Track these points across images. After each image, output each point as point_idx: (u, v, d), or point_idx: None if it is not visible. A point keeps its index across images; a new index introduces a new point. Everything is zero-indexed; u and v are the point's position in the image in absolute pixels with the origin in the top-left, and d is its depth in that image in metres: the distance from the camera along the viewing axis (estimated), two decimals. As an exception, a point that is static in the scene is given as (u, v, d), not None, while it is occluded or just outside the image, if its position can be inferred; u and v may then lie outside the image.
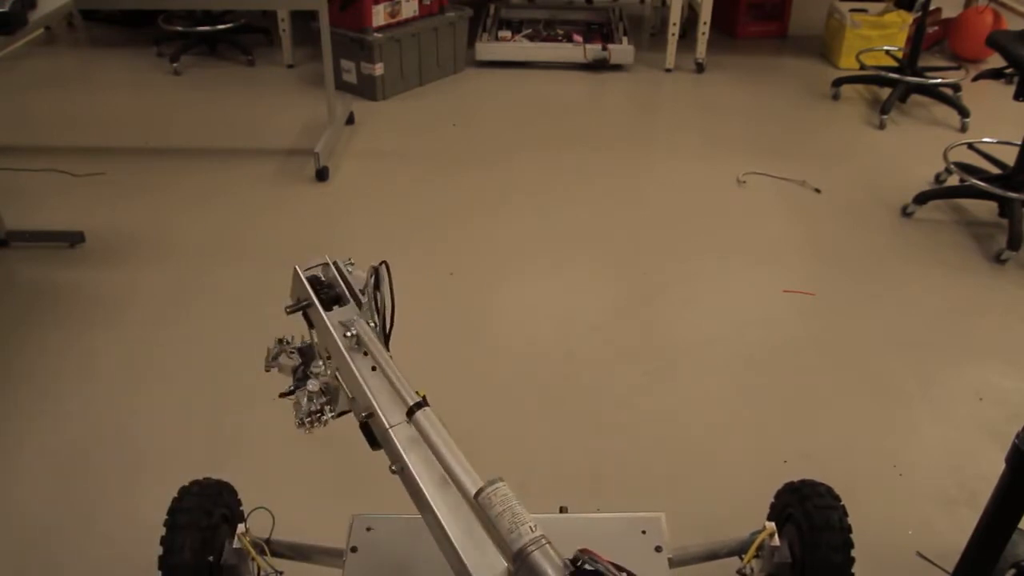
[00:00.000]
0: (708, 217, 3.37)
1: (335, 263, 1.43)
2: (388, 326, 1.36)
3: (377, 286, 1.32)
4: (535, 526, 1.00)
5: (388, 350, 1.30)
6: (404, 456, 1.18)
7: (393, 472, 1.20)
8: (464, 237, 3.19)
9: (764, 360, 2.57)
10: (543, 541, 0.98)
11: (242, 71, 4.78)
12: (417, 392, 1.21)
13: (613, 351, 2.60)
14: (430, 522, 1.15)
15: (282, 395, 1.47)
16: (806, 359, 2.58)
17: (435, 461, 1.14)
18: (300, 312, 1.43)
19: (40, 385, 2.42)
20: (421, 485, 1.14)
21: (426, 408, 1.17)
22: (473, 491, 1.03)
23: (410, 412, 1.17)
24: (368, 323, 1.31)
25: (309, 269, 1.44)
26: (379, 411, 1.21)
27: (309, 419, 1.38)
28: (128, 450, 2.20)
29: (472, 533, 1.11)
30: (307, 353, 1.49)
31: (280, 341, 1.51)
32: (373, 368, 1.25)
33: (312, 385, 1.37)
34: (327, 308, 1.37)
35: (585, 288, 2.91)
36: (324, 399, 1.38)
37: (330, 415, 1.38)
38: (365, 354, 1.28)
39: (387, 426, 1.20)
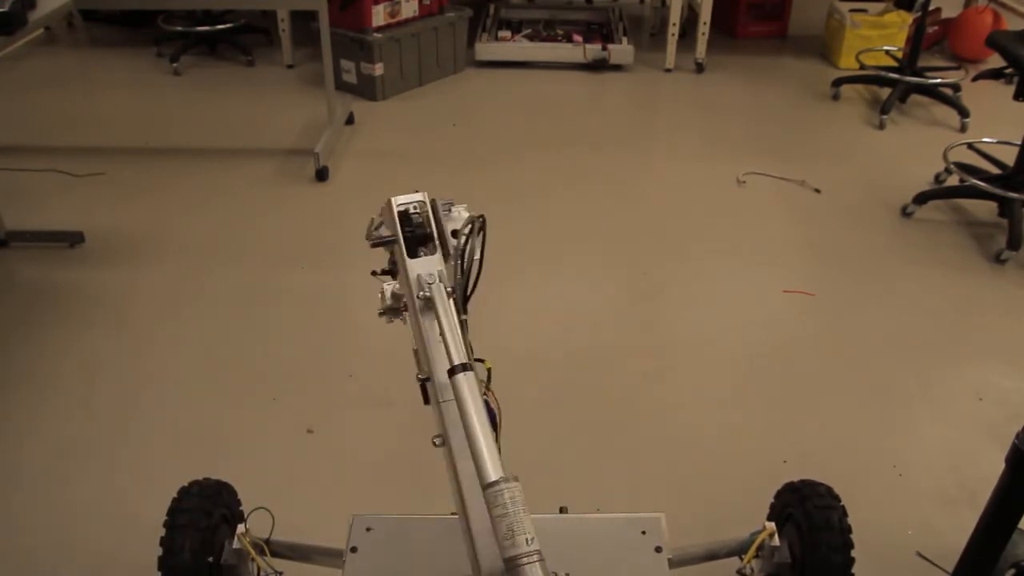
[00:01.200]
0: (708, 217, 3.37)
1: (432, 201, 1.30)
2: (470, 287, 1.27)
3: (469, 240, 1.24)
4: (532, 539, 0.98)
5: (465, 312, 1.24)
6: (448, 432, 1.16)
7: (435, 445, 1.18)
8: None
9: (764, 360, 2.57)
10: (536, 557, 0.97)
11: (242, 71, 4.78)
12: (483, 361, 1.19)
13: (613, 351, 2.60)
14: (456, 503, 1.14)
15: (373, 273, 1.40)
16: (806, 359, 2.58)
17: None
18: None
19: (40, 385, 2.41)
20: (457, 467, 1.13)
21: (469, 373, 1.12)
22: (488, 480, 1.02)
23: (451, 372, 1.12)
24: (446, 284, 1.23)
25: (403, 204, 1.29)
26: (435, 379, 1.18)
27: (388, 313, 1.36)
28: (128, 450, 2.19)
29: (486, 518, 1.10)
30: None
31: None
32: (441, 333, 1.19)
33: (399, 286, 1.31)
34: (412, 252, 1.27)
35: (585, 288, 2.91)
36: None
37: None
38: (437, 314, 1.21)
39: (439, 399, 1.18)
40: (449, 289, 1.21)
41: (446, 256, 1.27)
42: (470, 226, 1.24)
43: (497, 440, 1.23)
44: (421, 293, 1.20)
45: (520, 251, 3.09)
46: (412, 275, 1.23)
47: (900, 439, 2.28)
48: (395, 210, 1.28)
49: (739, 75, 4.83)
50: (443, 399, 1.17)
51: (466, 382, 1.10)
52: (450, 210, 1.31)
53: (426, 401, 1.23)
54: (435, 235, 1.28)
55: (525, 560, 0.97)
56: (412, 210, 1.29)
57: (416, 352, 1.25)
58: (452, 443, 1.14)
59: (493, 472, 1.04)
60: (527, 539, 0.98)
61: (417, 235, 1.28)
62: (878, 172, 3.73)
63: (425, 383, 1.22)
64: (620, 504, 2.03)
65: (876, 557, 1.75)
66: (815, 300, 2.85)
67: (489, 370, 1.26)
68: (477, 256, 1.26)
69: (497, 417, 1.25)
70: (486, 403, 1.20)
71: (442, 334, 1.15)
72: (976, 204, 3.40)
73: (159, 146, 3.89)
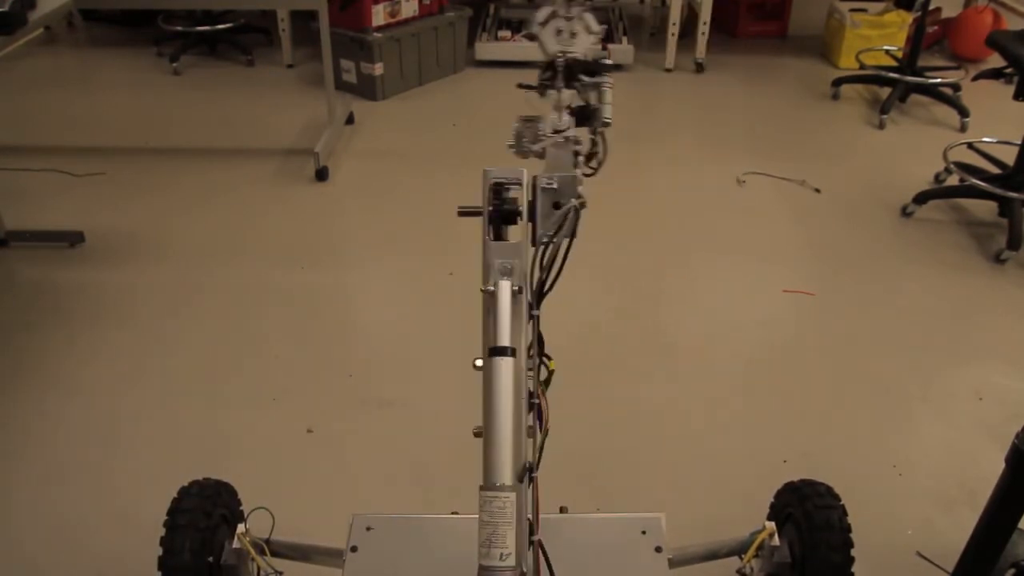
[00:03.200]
0: (708, 217, 3.37)
1: (535, 178, 1.20)
2: (547, 284, 1.19)
3: (557, 231, 1.17)
4: (507, 555, 0.98)
5: (538, 308, 1.16)
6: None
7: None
8: (464, 237, 3.18)
9: (764, 360, 2.57)
10: (511, 572, 0.98)
11: (242, 71, 4.78)
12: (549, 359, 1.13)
13: (612, 350, 2.60)
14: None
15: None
16: (806, 359, 2.58)
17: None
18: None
19: (40, 385, 2.41)
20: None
21: (510, 359, 1.06)
22: (491, 480, 1.02)
23: (492, 352, 1.07)
24: (518, 281, 1.14)
25: (498, 178, 1.18)
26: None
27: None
28: (128, 450, 2.19)
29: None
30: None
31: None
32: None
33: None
34: (498, 229, 1.17)
35: (585, 288, 2.91)
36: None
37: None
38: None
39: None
40: (516, 288, 1.13)
41: (532, 242, 1.17)
42: (562, 219, 1.16)
43: (542, 444, 1.20)
44: (488, 287, 1.12)
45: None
46: (490, 260, 1.15)
47: (900, 439, 2.28)
48: (490, 181, 1.17)
49: (739, 75, 4.83)
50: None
51: (504, 367, 1.06)
52: (547, 186, 1.20)
53: None
54: (525, 214, 1.18)
55: (497, 574, 0.98)
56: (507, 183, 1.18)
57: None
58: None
59: (498, 474, 1.03)
60: (501, 554, 0.98)
61: (508, 211, 1.17)
62: (878, 172, 3.73)
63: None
64: (620, 504, 2.03)
65: (876, 557, 1.75)
66: (815, 300, 2.85)
67: (551, 372, 1.21)
68: (563, 250, 1.18)
69: (544, 420, 1.21)
70: (536, 404, 1.17)
71: (495, 315, 1.10)
72: (976, 204, 3.40)
73: (159, 146, 3.89)
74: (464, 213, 1.21)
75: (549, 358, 1.18)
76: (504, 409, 1.04)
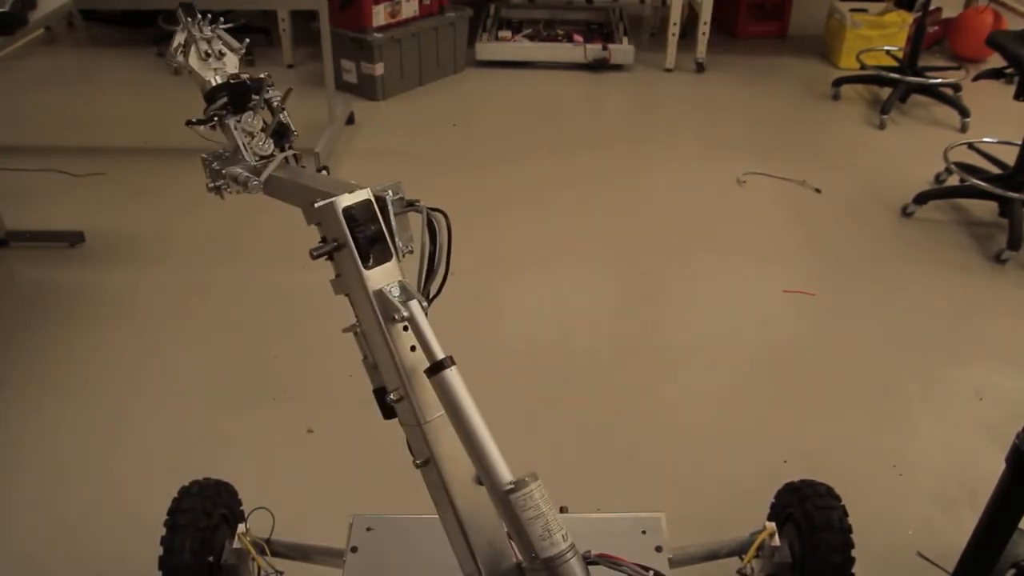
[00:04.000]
0: (708, 217, 3.37)
1: (379, 197, 1.11)
2: (433, 290, 1.14)
3: (432, 240, 1.11)
4: (567, 534, 1.00)
5: (427, 314, 1.10)
6: (432, 450, 1.09)
7: (417, 466, 1.14)
8: (464, 237, 3.15)
9: (764, 360, 2.57)
10: (573, 552, 0.99)
11: (242, 71, 4.77)
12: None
13: (613, 351, 2.60)
14: (446, 518, 1.13)
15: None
16: (806, 359, 2.58)
17: (462, 454, 1.05)
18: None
19: (40, 385, 2.41)
20: (447, 483, 1.09)
21: (454, 368, 1.04)
22: (506, 482, 1.01)
23: (437, 367, 1.03)
24: (411, 295, 1.09)
25: (347, 203, 1.08)
26: (413, 391, 1.09)
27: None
28: (128, 450, 2.19)
29: (485, 528, 1.10)
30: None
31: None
32: (406, 328, 1.08)
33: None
34: (364, 258, 1.08)
35: (585, 288, 2.91)
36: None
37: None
38: (403, 327, 1.08)
39: (421, 421, 1.09)
40: (423, 304, 1.10)
41: (398, 258, 1.12)
42: (434, 224, 1.12)
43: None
44: (396, 314, 1.06)
45: (520, 250, 3.09)
46: (371, 288, 1.08)
47: (900, 439, 2.28)
48: (339, 212, 1.06)
49: (739, 75, 4.83)
50: (427, 418, 1.09)
51: (455, 378, 1.04)
52: (396, 202, 1.13)
53: (386, 415, 1.14)
54: (386, 235, 1.10)
55: (569, 555, 1.00)
56: (356, 210, 1.08)
57: (369, 364, 1.16)
58: (438, 453, 1.09)
59: (510, 473, 1.03)
60: (563, 535, 1.00)
61: (366, 236, 1.08)
62: (878, 172, 3.73)
63: (395, 403, 1.12)
64: (620, 504, 2.03)
65: (876, 557, 1.75)
66: (815, 300, 2.85)
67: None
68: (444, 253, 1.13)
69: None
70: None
71: (420, 334, 1.06)
72: (976, 204, 3.40)
73: (159, 146, 3.89)
74: (320, 254, 1.09)
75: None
76: (473, 414, 1.04)
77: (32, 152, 3.80)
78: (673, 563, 1.52)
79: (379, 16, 4.24)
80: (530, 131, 4.11)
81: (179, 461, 2.15)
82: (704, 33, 4.73)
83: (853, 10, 4.85)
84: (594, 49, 4.79)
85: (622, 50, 4.82)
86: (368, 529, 1.54)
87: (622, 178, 3.67)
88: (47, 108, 4.30)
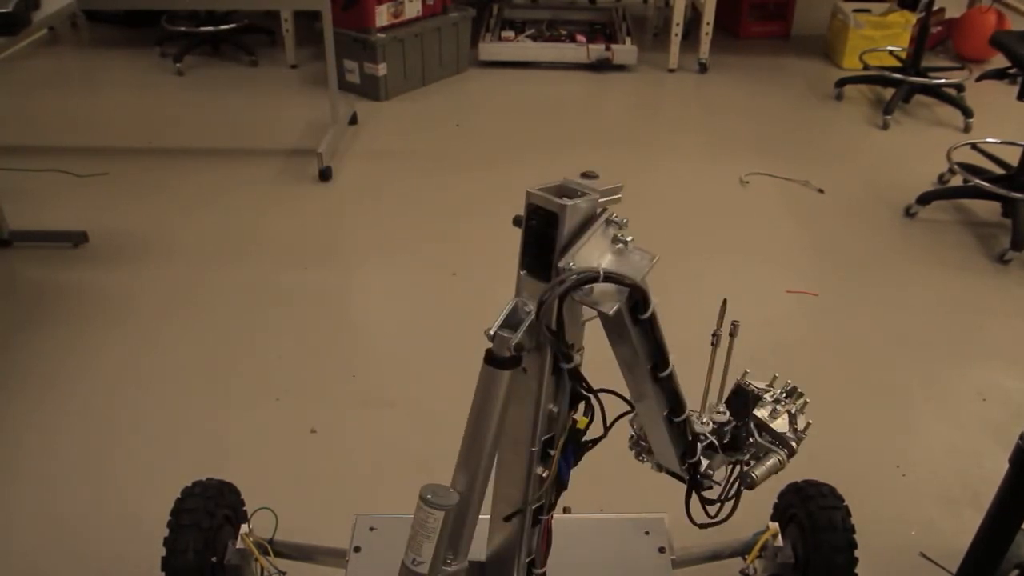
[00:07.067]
0: (711, 217, 3.36)
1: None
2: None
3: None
4: (419, 562, 1.03)
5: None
6: None
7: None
8: (467, 237, 3.19)
9: (766, 360, 2.57)
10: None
11: (245, 71, 4.78)
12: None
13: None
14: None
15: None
16: (809, 359, 2.58)
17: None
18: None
19: (42, 384, 2.42)
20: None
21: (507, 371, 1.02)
22: (434, 489, 1.04)
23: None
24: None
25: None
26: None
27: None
28: (131, 450, 2.20)
29: None
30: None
31: None
32: None
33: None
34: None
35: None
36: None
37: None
38: None
39: None
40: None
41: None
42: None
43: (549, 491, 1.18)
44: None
45: (523, 251, 3.09)
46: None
47: (903, 439, 2.28)
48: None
49: (742, 75, 4.83)
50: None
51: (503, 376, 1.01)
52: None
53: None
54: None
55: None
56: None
57: None
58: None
59: (457, 481, 1.05)
60: (414, 559, 1.03)
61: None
62: (881, 172, 3.73)
63: None
64: (623, 504, 2.03)
65: (879, 557, 1.75)
66: (818, 300, 2.85)
67: (578, 428, 1.16)
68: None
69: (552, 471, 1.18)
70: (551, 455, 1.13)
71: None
72: (980, 204, 3.39)
73: (162, 146, 3.89)
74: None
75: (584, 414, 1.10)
76: (490, 422, 1.05)
77: (36, 152, 3.80)
78: (676, 564, 1.52)
79: (382, 16, 4.24)
80: (533, 131, 4.11)
81: (181, 461, 2.15)
82: (707, 33, 4.72)
83: (856, 10, 4.84)
84: (597, 49, 4.79)
85: (625, 50, 4.82)
86: (371, 529, 1.54)
87: (625, 178, 3.65)
88: (50, 108, 4.31)
